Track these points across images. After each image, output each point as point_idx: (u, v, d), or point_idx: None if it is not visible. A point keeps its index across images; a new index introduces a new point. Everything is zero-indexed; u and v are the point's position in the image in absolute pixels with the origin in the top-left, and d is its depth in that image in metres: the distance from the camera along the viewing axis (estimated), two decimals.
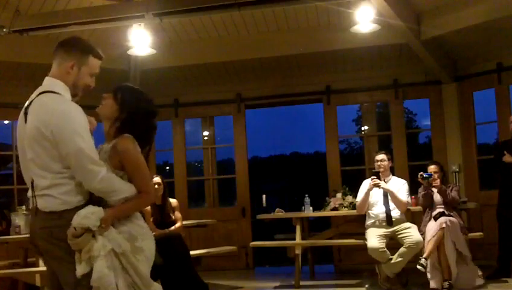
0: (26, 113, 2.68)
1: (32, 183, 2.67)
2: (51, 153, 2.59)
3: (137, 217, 2.77)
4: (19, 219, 6.21)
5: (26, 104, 2.71)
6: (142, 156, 2.75)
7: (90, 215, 2.54)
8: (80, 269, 2.55)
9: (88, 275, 2.55)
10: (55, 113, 2.59)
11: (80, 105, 2.69)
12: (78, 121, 2.61)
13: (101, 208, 2.59)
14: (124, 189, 2.66)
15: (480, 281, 5.82)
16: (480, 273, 5.86)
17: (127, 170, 2.69)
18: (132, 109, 2.78)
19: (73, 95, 2.74)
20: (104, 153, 2.70)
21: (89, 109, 2.75)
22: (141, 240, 2.68)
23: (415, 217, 6.60)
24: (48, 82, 2.73)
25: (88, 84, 2.78)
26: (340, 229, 7.45)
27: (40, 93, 2.68)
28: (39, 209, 2.65)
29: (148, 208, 6.07)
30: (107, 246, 2.56)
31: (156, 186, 6.21)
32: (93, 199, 2.67)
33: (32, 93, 2.74)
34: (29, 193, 2.71)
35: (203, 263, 6.85)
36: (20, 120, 2.74)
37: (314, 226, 8.69)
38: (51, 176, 2.61)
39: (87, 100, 2.87)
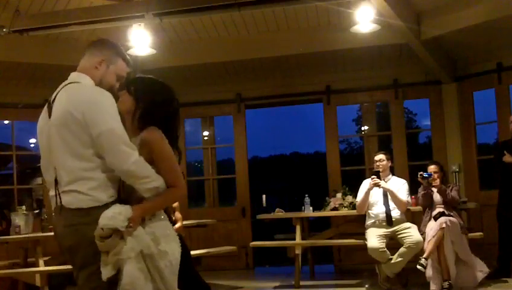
0: (50, 108, 2.59)
1: (55, 180, 2.54)
2: (81, 137, 2.49)
3: (161, 215, 2.64)
4: (19, 219, 6.22)
5: (50, 99, 2.63)
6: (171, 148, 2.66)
7: (117, 216, 2.42)
8: (106, 272, 2.43)
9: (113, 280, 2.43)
10: (85, 98, 2.53)
11: None
12: (109, 103, 2.54)
13: (128, 206, 2.47)
14: (155, 177, 2.53)
15: (482, 274, 5.79)
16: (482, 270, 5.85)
17: (155, 162, 2.57)
18: (148, 99, 2.74)
19: None
20: None
21: None
22: (165, 243, 2.54)
23: (415, 217, 6.60)
24: (74, 76, 2.67)
25: (113, 84, 2.73)
26: (340, 229, 7.45)
27: (66, 85, 2.62)
28: (64, 206, 2.51)
29: None
30: (136, 248, 2.44)
31: None
32: (121, 198, 2.55)
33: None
34: (52, 192, 2.58)
35: (203, 263, 6.85)
36: (42, 116, 2.66)
37: (314, 226, 8.68)
38: (77, 167, 2.49)
39: None
